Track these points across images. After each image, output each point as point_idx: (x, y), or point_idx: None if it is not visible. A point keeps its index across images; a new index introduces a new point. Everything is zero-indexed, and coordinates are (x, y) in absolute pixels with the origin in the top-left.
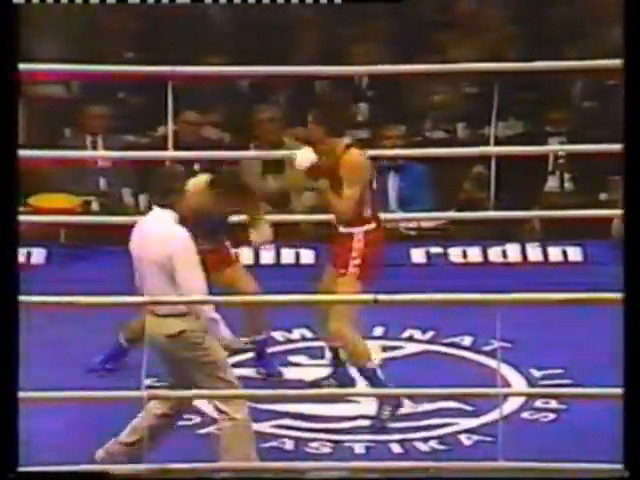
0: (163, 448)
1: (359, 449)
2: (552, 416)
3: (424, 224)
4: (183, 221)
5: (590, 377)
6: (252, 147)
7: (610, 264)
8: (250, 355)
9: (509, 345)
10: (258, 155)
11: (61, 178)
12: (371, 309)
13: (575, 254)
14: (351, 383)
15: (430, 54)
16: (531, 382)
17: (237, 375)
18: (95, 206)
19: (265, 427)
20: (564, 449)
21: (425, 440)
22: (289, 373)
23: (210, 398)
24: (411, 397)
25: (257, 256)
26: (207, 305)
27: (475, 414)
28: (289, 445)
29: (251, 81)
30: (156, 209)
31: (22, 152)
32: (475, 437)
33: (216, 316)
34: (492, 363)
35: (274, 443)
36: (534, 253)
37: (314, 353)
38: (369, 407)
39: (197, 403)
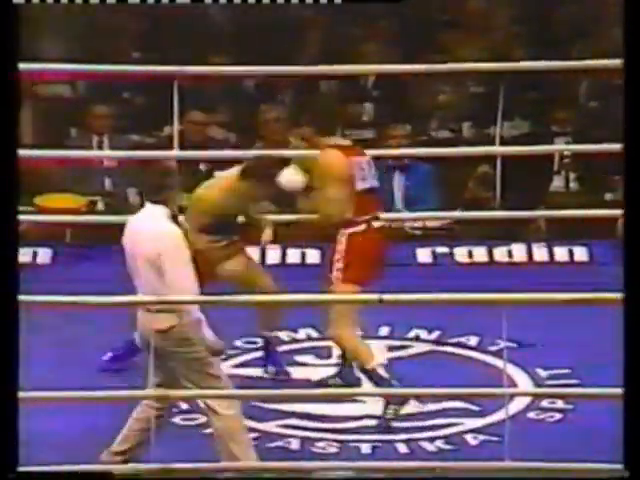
0: (166, 448)
1: (365, 449)
2: (558, 416)
3: (430, 224)
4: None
5: (597, 377)
6: (258, 147)
7: (616, 264)
8: (257, 355)
9: (515, 345)
10: (264, 155)
11: (67, 178)
12: (377, 309)
13: (581, 254)
14: (357, 383)
15: (436, 54)
16: (537, 382)
17: (244, 375)
18: (101, 206)
19: (271, 427)
20: (571, 449)
21: (431, 440)
22: (295, 373)
23: (210, 398)
24: (417, 397)
25: (263, 256)
26: (193, 305)
27: (481, 414)
28: (295, 445)
29: (257, 81)
30: (148, 205)
31: (28, 152)
32: (481, 437)
33: (201, 317)
34: (498, 363)
35: (280, 443)
36: (540, 253)
37: (320, 353)
38: (375, 407)
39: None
